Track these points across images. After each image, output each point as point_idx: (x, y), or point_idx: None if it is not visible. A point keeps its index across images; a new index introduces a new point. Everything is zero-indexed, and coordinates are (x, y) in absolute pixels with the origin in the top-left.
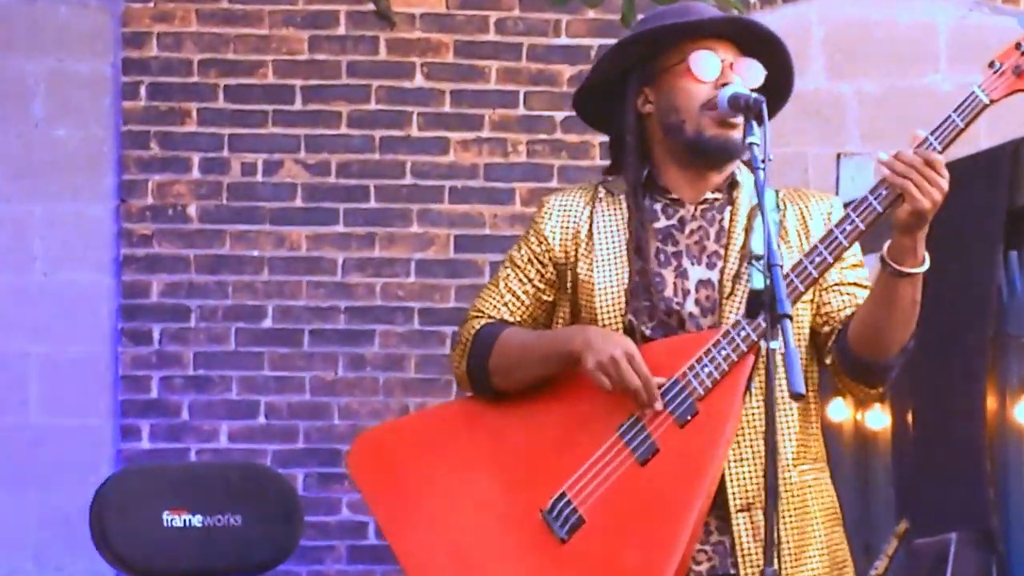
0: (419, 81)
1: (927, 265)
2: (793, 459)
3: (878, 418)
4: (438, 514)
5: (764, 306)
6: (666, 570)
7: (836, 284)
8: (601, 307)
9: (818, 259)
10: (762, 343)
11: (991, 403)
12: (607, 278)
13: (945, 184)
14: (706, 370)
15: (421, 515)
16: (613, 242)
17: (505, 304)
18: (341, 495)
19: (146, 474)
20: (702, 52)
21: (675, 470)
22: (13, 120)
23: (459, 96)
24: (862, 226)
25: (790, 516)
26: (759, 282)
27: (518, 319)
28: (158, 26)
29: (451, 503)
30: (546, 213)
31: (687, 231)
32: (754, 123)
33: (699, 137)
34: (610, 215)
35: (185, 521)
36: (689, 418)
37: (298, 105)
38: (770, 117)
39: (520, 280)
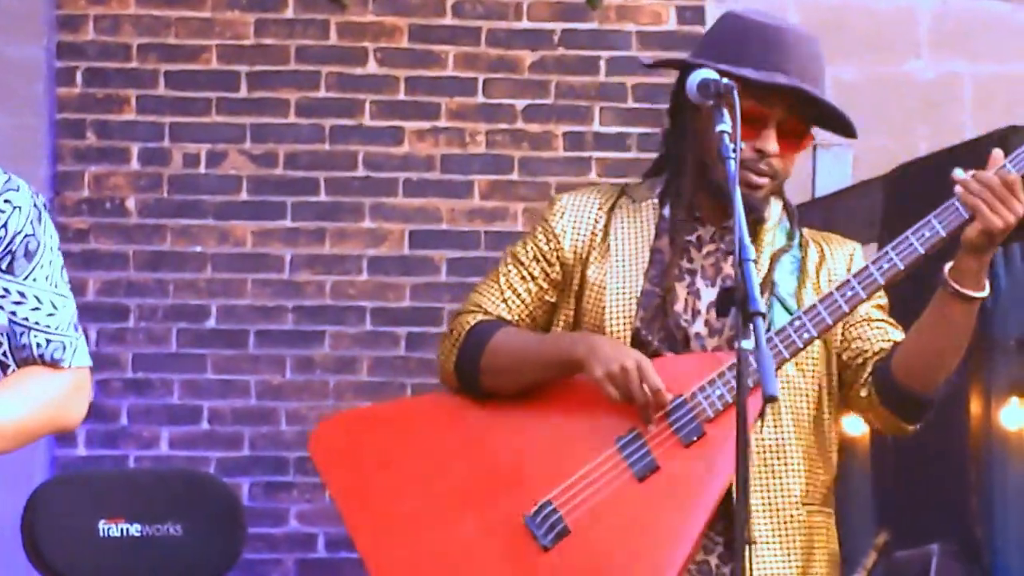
0: (372, 67)
1: (987, 291)
2: (801, 497)
3: (856, 423)
4: (409, 512)
5: (736, 304)
6: None
7: (865, 319)
8: (611, 313)
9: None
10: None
11: (975, 408)
12: (620, 284)
13: (1020, 207)
14: (718, 392)
15: (390, 511)
16: (632, 249)
17: (505, 301)
18: (289, 505)
19: (81, 482)
20: (745, 101)
21: (674, 491)
22: None
23: (414, 83)
24: (920, 250)
25: (796, 555)
26: (781, 318)
27: (517, 318)
28: (95, 8)
29: (424, 501)
30: (558, 211)
31: (704, 251)
32: (725, 111)
33: (722, 189)
34: (631, 221)
35: (122, 531)
36: (695, 439)
37: (243, 92)
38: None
39: (522, 277)
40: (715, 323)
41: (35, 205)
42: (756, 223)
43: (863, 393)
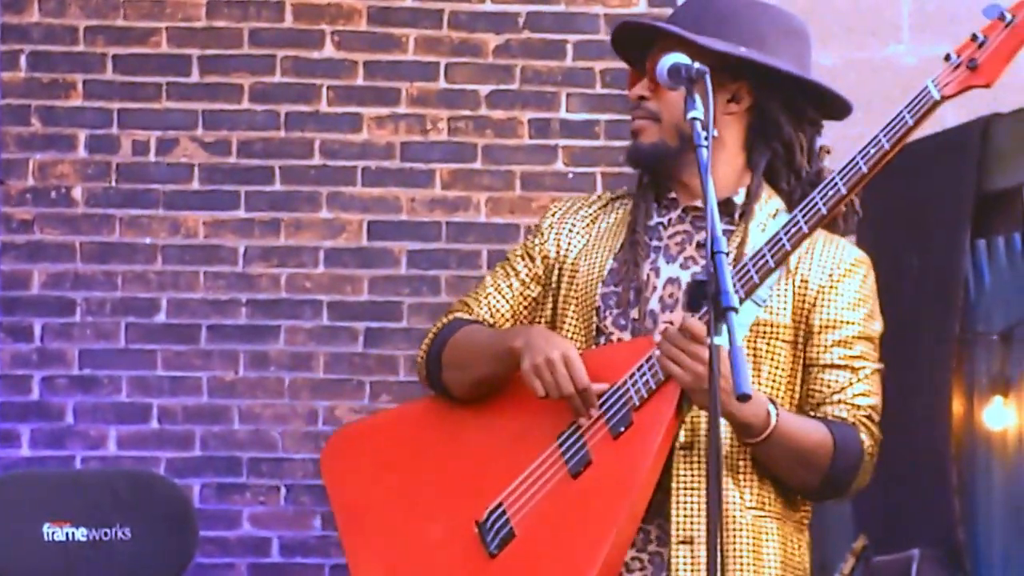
0: (329, 51)
1: (774, 422)
2: (749, 503)
3: None
4: (389, 519)
5: (707, 298)
6: None
7: (827, 364)
8: (578, 288)
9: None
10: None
11: (957, 406)
12: (591, 262)
13: (704, 352)
14: (644, 378)
15: (374, 519)
16: (608, 235)
17: (486, 298)
18: (242, 507)
19: (25, 483)
20: (662, 56)
21: (603, 484)
22: None
23: (373, 68)
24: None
25: (744, 556)
26: (747, 310)
27: (498, 316)
28: None
29: (403, 509)
30: (551, 211)
31: (671, 231)
32: (697, 97)
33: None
34: (614, 214)
35: (68, 535)
36: (623, 429)
37: (195, 77)
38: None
39: (506, 274)
40: (668, 299)
41: None
42: (727, 204)
43: None
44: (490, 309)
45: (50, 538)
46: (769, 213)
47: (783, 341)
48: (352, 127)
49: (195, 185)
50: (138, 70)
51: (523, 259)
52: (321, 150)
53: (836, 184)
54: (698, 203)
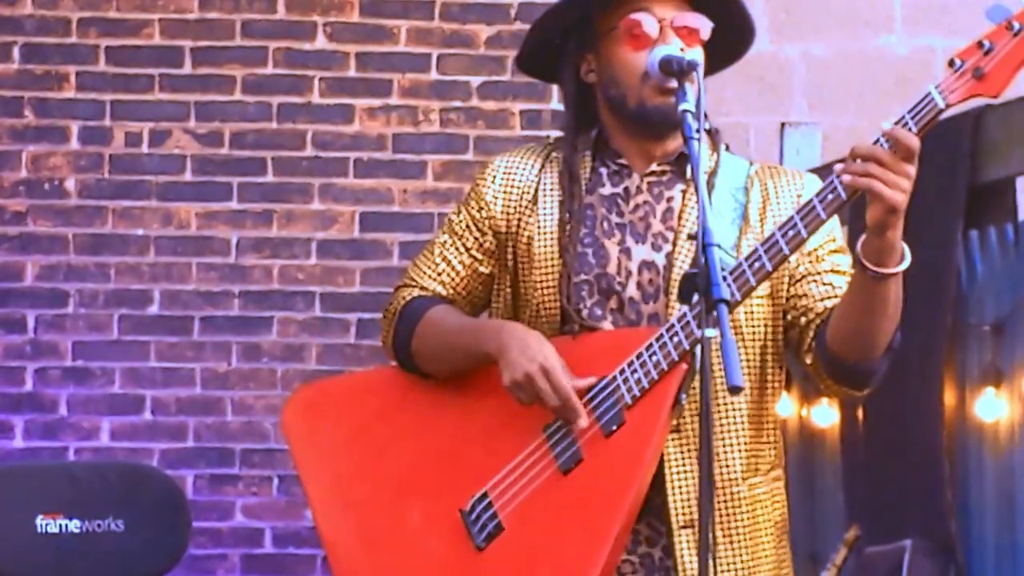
0: (321, 42)
1: (909, 260)
2: (743, 472)
3: (826, 414)
4: (361, 494)
5: (698, 290)
6: None
7: (810, 274)
8: (540, 284)
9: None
10: (697, 333)
11: (949, 398)
12: (546, 251)
13: (913, 170)
14: (636, 376)
15: (345, 492)
16: (554, 202)
17: (439, 275)
18: (235, 499)
19: (18, 475)
20: (636, 15)
21: (597, 485)
22: None
23: (365, 59)
24: (804, 235)
25: (740, 533)
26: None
27: (451, 292)
28: None
29: (378, 481)
30: (489, 175)
31: (632, 204)
32: (688, 88)
33: (641, 109)
34: (555, 180)
35: (61, 527)
36: (615, 428)
37: (187, 69)
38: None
39: (457, 249)
40: (648, 287)
41: None
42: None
43: (808, 360)
44: (443, 286)
45: (43, 530)
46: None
47: (759, 297)
48: (344, 118)
49: (187, 176)
50: (130, 62)
51: (471, 231)
52: (313, 141)
53: (836, 187)
54: (654, 167)
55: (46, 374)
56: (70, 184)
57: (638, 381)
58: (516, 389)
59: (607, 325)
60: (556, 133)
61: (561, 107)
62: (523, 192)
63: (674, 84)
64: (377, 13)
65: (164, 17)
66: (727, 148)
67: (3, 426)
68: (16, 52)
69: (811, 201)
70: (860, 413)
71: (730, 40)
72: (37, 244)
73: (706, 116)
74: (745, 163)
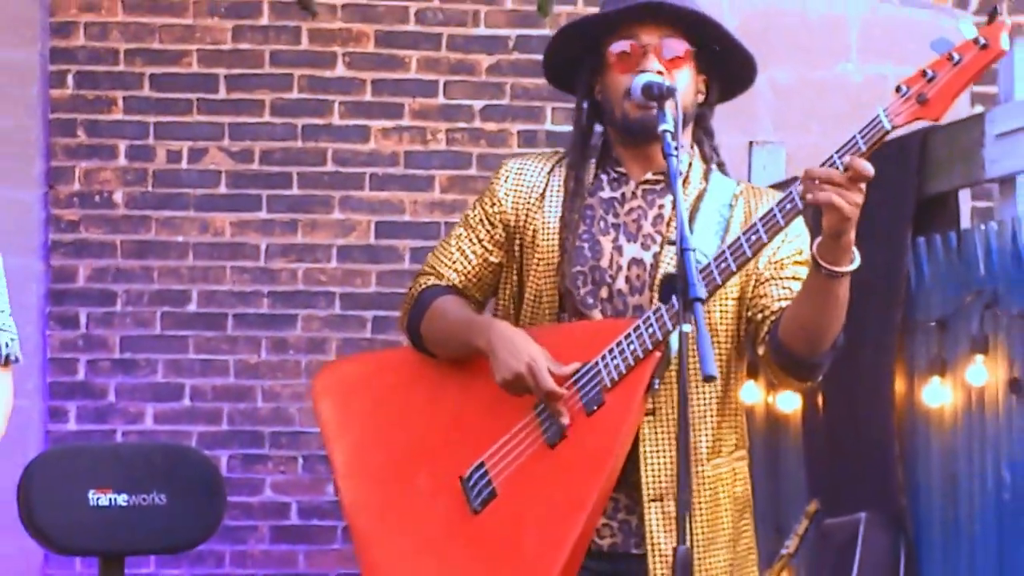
0: (340, 70)
1: (859, 262)
2: (708, 453)
3: (789, 401)
4: (377, 459)
5: (676, 290)
6: (554, 567)
7: (773, 278)
8: (541, 272)
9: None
10: (670, 325)
11: (899, 386)
12: (549, 243)
13: (863, 188)
14: (615, 362)
15: (364, 457)
16: (559, 210)
17: (453, 263)
18: (264, 476)
19: (72, 455)
20: (618, 43)
21: (577, 459)
22: None
23: (380, 85)
24: (765, 239)
25: (701, 508)
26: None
27: (464, 279)
28: (85, 16)
29: (390, 450)
30: (503, 175)
31: (627, 207)
32: (667, 111)
33: (625, 121)
34: (562, 182)
35: (110, 500)
36: (595, 408)
37: (222, 94)
38: (735, 92)
39: (470, 240)
40: (635, 281)
41: None
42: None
43: (760, 350)
44: (457, 273)
45: (95, 503)
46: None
47: (732, 299)
48: (361, 138)
49: (222, 189)
50: (172, 87)
51: (483, 224)
52: (333, 158)
53: (793, 198)
54: (649, 176)
55: (96, 365)
56: (118, 196)
57: (616, 367)
58: (506, 386)
59: (597, 312)
60: (535, 150)
61: (553, 128)
62: (532, 190)
63: (652, 104)
64: (390, 44)
65: (201, 48)
66: (720, 168)
67: (58, 412)
68: (70, 79)
69: (772, 210)
70: (820, 400)
71: (734, 69)
72: (89, 249)
73: (715, 150)
74: (733, 184)
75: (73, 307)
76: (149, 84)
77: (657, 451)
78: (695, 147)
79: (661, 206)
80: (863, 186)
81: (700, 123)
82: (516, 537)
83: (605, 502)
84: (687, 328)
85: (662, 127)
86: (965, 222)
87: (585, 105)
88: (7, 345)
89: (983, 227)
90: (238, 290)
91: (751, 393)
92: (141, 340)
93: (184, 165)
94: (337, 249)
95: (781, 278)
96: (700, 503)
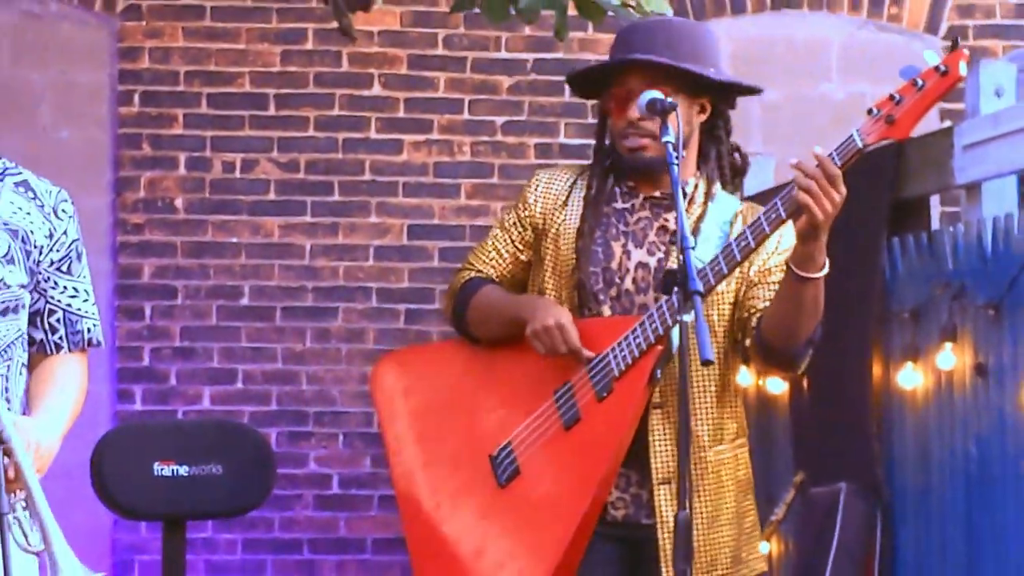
0: (377, 90)
1: (827, 269)
2: (710, 440)
3: (778, 384)
4: (426, 435)
5: (677, 283)
6: (566, 535)
7: (762, 282)
8: (560, 264)
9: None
10: (670, 321)
11: (877, 371)
12: (568, 245)
13: (840, 198)
14: (623, 354)
15: (414, 432)
16: (578, 218)
17: (490, 260)
18: (308, 451)
19: (139, 431)
20: (613, 91)
21: (589, 441)
22: (22, 125)
23: (412, 103)
24: (753, 244)
25: (705, 490)
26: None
27: (499, 274)
28: (150, 41)
29: (437, 427)
30: (534, 183)
31: (635, 217)
32: (669, 125)
33: (618, 158)
34: (583, 193)
35: (173, 471)
36: (605, 395)
37: (271, 111)
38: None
39: (504, 241)
40: (641, 282)
41: (75, 213)
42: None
43: (747, 343)
44: (493, 269)
45: (159, 474)
46: (704, 193)
47: (728, 303)
48: (395, 150)
49: (271, 196)
50: (226, 105)
51: (516, 227)
52: (371, 168)
53: (777, 208)
54: (656, 194)
55: (159, 352)
56: (178, 202)
57: (624, 358)
58: (535, 338)
59: (607, 309)
60: (564, 162)
61: (566, 141)
62: (557, 197)
63: (639, 142)
64: (421, 67)
65: (253, 70)
66: (735, 172)
67: (126, 394)
68: (136, 98)
69: (759, 218)
70: (806, 383)
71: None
72: (152, 250)
73: (730, 152)
74: (736, 202)
75: (139, 301)
76: (206, 102)
77: (664, 439)
78: (702, 167)
79: (665, 219)
80: (836, 196)
81: (711, 132)
82: (535, 509)
83: (613, 478)
84: (688, 318)
85: (665, 138)
86: (935, 224)
87: (603, 133)
88: (90, 330)
89: (952, 228)
90: (285, 285)
91: (744, 378)
92: (199, 330)
93: (237, 174)
94: (374, 249)
95: (769, 283)
96: (705, 485)
